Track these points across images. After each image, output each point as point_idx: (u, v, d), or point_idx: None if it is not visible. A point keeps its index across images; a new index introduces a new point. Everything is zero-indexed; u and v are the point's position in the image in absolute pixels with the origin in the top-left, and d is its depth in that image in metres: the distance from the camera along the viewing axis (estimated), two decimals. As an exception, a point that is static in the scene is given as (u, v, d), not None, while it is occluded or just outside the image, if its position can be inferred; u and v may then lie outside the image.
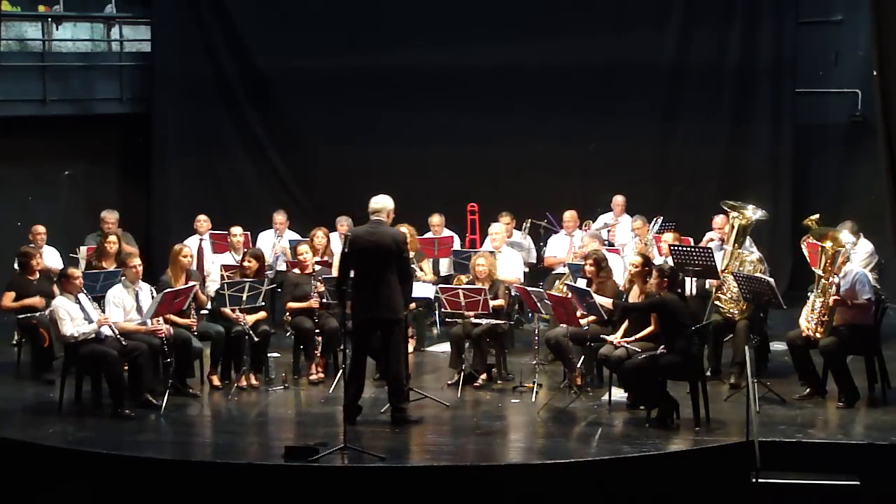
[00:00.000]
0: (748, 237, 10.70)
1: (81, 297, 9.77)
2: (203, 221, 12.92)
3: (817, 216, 10.18)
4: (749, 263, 10.27)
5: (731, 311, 10.20)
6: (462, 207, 13.71)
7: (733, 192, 13.51)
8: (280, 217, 13.15)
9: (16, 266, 11.16)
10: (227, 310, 10.22)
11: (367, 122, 15.10)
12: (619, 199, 13.43)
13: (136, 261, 10.22)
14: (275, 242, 12.94)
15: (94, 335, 9.56)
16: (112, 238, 11.46)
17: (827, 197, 14.43)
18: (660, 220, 12.24)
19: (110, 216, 12.53)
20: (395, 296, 9.12)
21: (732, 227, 10.54)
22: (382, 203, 9.26)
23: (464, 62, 14.70)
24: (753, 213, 10.52)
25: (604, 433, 9.03)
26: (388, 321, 9.17)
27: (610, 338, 9.57)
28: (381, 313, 9.14)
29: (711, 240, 11.39)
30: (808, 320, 9.59)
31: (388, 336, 9.22)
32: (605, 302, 9.63)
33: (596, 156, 14.90)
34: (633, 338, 9.46)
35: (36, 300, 10.60)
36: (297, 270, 11.02)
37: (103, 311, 9.87)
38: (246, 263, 10.66)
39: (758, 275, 9.98)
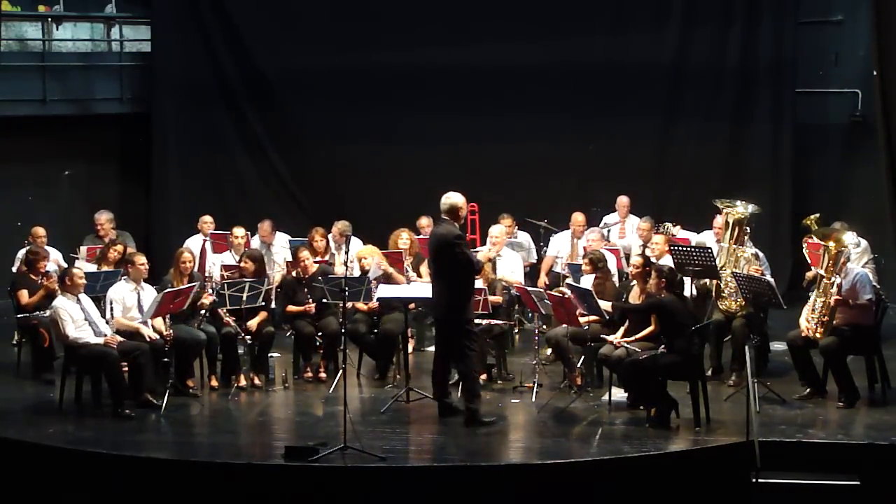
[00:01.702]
0: (746, 235, 10.70)
1: (85, 300, 9.77)
2: (208, 223, 12.87)
3: (817, 215, 10.18)
4: (743, 259, 10.28)
5: (730, 306, 10.21)
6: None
7: (734, 192, 13.50)
8: (265, 228, 12.85)
9: (21, 265, 11.15)
10: (222, 311, 10.23)
11: (367, 123, 15.09)
12: (623, 201, 13.36)
13: (142, 259, 10.24)
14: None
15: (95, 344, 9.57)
16: (118, 247, 11.43)
17: (827, 197, 14.41)
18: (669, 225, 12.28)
19: (102, 217, 12.47)
20: (451, 294, 9.20)
21: (727, 223, 10.56)
22: (446, 202, 9.33)
23: (464, 62, 14.68)
24: (745, 207, 10.53)
25: (604, 433, 9.03)
26: (446, 320, 9.29)
27: (610, 338, 9.57)
28: (439, 312, 9.33)
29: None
30: (808, 320, 9.60)
31: (449, 335, 9.29)
32: (604, 305, 9.64)
33: (596, 156, 14.89)
34: (633, 338, 9.47)
35: (44, 292, 10.57)
36: (295, 274, 11.02)
37: (103, 314, 9.88)
38: (243, 264, 10.66)
39: (758, 275, 10.00)
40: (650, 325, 9.45)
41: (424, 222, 12.78)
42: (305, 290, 10.72)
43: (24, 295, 10.66)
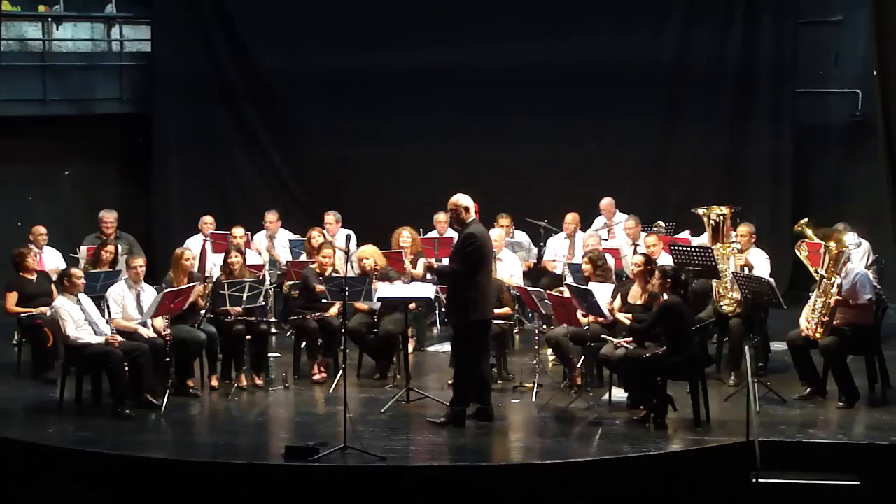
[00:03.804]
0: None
1: (85, 301, 9.77)
2: (209, 223, 12.88)
3: (806, 220, 10.16)
4: (731, 254, 10.26)
5: (726, 306, 10.20)
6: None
7: (733, 192, 13.52)
8: (271, 216, 13.02)
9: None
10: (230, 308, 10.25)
11: (367, 122, 15.09)
12: (604, 203, 13.34)
13: (138, 261, 10.23)
14: (264, 244, 12.87)
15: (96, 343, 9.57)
16: (109, 247, 11.45)
17: (827, 197, 14.43)
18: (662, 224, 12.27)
19: (108, 216, 12.53)
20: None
21: (711, 225, 10.52)
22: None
23: (464, 62, 14.69)
24: (719, 208, 10.52)
25: (604, 433, 9.03)
26: (490, 321, 9.45)
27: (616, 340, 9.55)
28: (491, 313, 9.42)
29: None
30: (808, 320, 9.60)
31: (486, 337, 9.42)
32: (622, 319, 9.58)
33: (596, 156, 14.89)
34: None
35: (42, 310, 10.55)
36: (313, 267, 11.00)
37: (104, 313, 9.88)
38: (232, 259, 10.61)
39: (758, 275, 10.01)
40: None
41: (442, 218, 12.68)
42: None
43: (12, 297, 10.66)
